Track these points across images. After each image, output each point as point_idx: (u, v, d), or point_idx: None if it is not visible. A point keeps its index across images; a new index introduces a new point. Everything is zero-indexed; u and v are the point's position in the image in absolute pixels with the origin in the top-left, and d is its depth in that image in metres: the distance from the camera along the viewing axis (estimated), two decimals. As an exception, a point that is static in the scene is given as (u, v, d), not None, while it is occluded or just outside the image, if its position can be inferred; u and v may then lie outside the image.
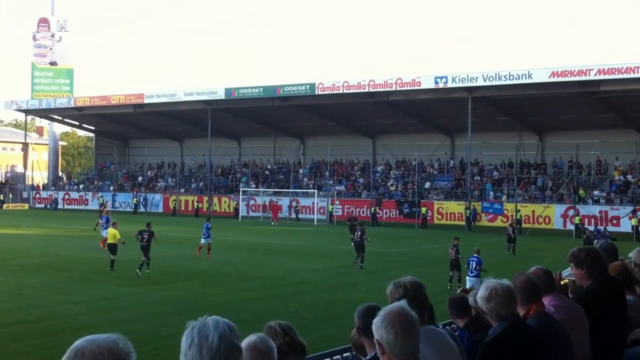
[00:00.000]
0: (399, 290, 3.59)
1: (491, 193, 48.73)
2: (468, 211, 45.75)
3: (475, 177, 50.93)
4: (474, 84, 44.42)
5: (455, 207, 47.66)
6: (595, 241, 26.91)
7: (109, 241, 23.27)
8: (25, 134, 72.65)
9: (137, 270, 21.11)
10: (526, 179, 50.05)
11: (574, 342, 4.23)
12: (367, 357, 3.49)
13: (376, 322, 2.84)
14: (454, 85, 45.17)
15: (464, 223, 45.41)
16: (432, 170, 55.18)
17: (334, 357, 6.88)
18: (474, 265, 18.04)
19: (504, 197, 47.65)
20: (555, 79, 41.46)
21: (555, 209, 44.24)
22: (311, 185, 55.82)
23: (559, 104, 46.51)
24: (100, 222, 31.99)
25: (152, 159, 69.15)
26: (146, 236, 22.58)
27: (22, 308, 15.63)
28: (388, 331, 2.77)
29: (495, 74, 43.58)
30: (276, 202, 52.94)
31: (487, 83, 43.90)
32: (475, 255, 18.33)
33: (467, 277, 18.05)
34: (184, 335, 2.19)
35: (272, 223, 48.03)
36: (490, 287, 3.86)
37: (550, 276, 4.59)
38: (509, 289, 3.85)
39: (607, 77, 40.00)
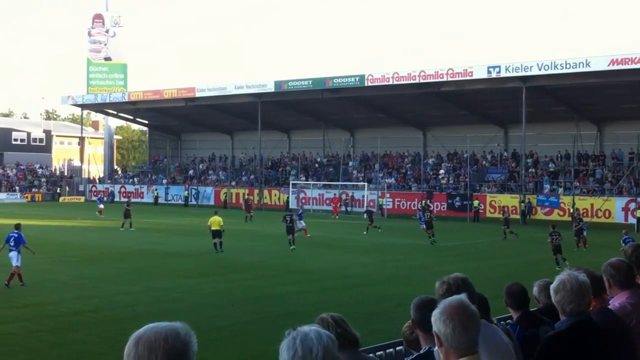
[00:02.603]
0: (443, 287, 3.57)
1: (547, 186, 47.57)
2: (523, 204, 44.75)
3: (530, 170, 49.79)
4: (529, 73, 43.29)
5: (509, 200, 46.65)
6: None
7: (213, 228, 25.54)
8: (82, 128, 74.77)
9: (292, 247, 25.92)
10: (584, 171, 48.60)
11: None
12: (421, 351, 3.48)
13: (435, 315, 2.79)
14: (508, 74, 44.10)
15: (518, 217, 44.45)
16: (484, 162, 54.23)
17: (387, 351, 6.80)
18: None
19: (561, 190, 46.42)
20: (615, 67, 39.96)
21: (615, 202, 42.79)
22: (361, 178, 55.64)
23: (618, 93, 44.87)
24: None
25: (203, 152, 70.21)
26: (289, 219, 27.07)
27: (81, 298, 16.04)
28: (446, 325, 2.72)
29: (551, 63, 42.35)
30: (340, 195, 52.44)
31: (543, 72, 42.70)
32: (628, 236, 22.06)
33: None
34: (284, 345, 2.12)
35: (334, 217, 47.30)
36: (560, 280, 3.71)
37: (632, 270, 4.37)
38: (579, 285, 3.66)
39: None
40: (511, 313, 5.45)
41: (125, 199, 47.44)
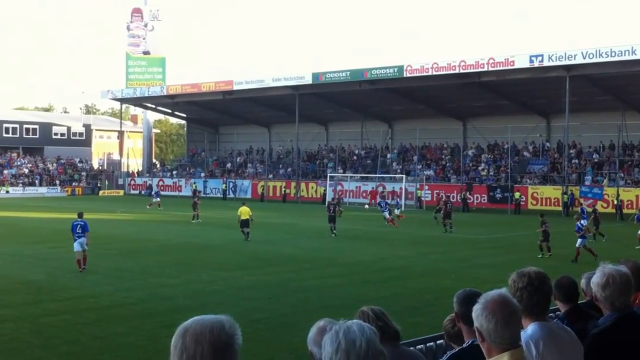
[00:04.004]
0: (523, 280, 3.38)
1: (589, 177, 46.42)
2: (565, 196, 43.78)
3: (573, 160, 48.64)
4: (572, 61, 42.22)
5: (551, 192, 45.70)
6: None
7: (242, 217, 26.59)
8: (121, 122, 75.98)
9: (333, 234, 27.78)
10: (629, 162, 47.29)
11: None
12: (464, 345, 3.44)
13: (476, 310, 2.76)
14: (551, 63, 43.08)
15: (560, 208, 43.51)
16: (526, 153, 53.21)
17: (427, 345, 6.66)
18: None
19: (605, 181, 45.26)
20: (663, 54, 38.77)
21: (662, 194, 41.58)
22: (399, 170, 55.20)
23: (666, 81, 43.55)
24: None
25: (241, 145, 70.61)
26: (332, 208, 28.34)
27: (121, 291, 16.19)
28: (488, 320, 2.69)
29: (596, 51, 41.20)
30: (376, 188, 53.00)
31: (587, 60, 41.61)
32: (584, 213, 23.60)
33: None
34: (327, 339, 2.13)
35: (366, 207, 48.25)
36: (607, 274, 3.57)
37: None
38: (627, 277, 3.57)
39: None
40: (559, 306, 5.24)
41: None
